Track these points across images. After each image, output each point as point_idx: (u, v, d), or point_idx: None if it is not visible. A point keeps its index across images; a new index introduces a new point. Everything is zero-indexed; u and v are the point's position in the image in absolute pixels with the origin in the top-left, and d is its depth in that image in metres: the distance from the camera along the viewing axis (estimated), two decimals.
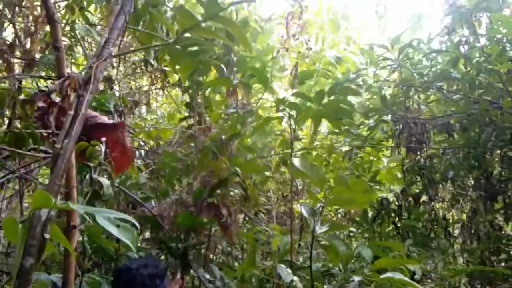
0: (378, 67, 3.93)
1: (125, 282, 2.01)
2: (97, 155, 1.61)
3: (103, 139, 1.62)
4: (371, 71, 4.06)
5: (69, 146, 1.44)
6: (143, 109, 5.32)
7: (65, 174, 1.43)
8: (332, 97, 2.93)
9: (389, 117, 4.13)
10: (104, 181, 1.69)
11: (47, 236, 1.32)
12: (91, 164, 1.67)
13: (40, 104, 1.49)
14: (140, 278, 1.97)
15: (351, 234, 4.44)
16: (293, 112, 2.90)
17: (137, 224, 1.22)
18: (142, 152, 4.69)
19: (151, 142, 4.97)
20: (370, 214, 4.11)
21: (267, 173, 4.37)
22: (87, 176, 1.93)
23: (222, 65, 2.62)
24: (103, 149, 1.61)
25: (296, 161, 2.41)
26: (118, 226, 1.19)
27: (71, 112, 1.48)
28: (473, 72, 3.71)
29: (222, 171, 2.76)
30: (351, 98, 3.20)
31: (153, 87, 4.88)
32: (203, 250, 3.43)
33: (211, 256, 3.95)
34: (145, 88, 4.95)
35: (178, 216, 2.80)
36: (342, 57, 3.90)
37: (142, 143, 4.87)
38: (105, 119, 1.66)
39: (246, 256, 2.61)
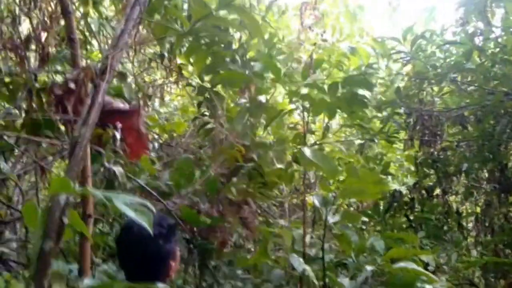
0: (391, 60, 3.92)
1: (125, 242, 1.84)
2: (113, 141, 1.63)
3: (119, 125, 1.63)
4: (383, 64, 4.04)
5: (86, 134, 1.48)
6: (157, 102, 5.37)
7: (82, 161, 1.46)
8: (346, 90, 2.93)
9: (402, 110, 4.12)
10: (118, 169, 1.70)
11: (65, 220, 1.36)
12: (104, 152, 1.68)
13: (58, 92, 1.52)
14: (141, 238, 1.76)
15: (363, 227, 4.44)
16: (306, 104, 2.90)
17: (153, 208, 1.25)
18: (156, 145, 4.74)
19: (165, 135, 5.01)
20: (382, 207, 4.11)
21: (280, 166, 4.38)
22: (101, 167, 1.93)
23: (237, 57, 2.62)
24: (119, 136, 1.63)
25: (307, 152, 2.41)
26: (135, 210, 1.22)
27: (88, 101, 1.51)
28: (487, 63, 3.68)
29: (236, 159, 2.75)
30: (363, 92, 3.20)
31: (167, 81, 4.92)
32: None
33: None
34: (159, 82, 4.99)
35: (182, 210, 2.76)
36: (356, 48, 3.85)
37: (156, 136, 4.91)
38: (121, 105, 1.68)
39: (258, 247, 2.62)
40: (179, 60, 4.53)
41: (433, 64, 3.74)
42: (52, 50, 3.11)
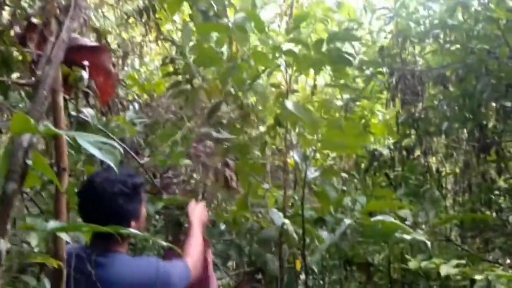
0: (374, 17, 3.84)
1: (85, 196, 1.79)
2: (80, 81, 1.54)
3: (86, 63, 1.54)
4: (366, 21, 3.97)
5: (50, 72, 1.39)
6: (136, 62, 5.24)
7: (47, 102, 1.37)
8: (331, 46, 2.84)
9: (384, 69, 4.07)
10: (89, 110, 1.62)
11: (29, 162, 1.29)
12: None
13: (18, 29, 1.42)
14: (101, 195, 1.72)
15: (344, 188, 4.46)
16: (290, 61, 2.79)
17: (120, 148, 1.18)
18: (136, 105, 4.64)
19: (145, 96, 4.90)
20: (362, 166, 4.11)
21: (262, 129, 4.32)
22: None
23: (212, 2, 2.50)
24: (86, 75, 1.54)
25: (289, 105, 2.36)
26: (100, 148, 1.15)
27: (52, 39, 1.42)
28: (470, 21, 3.62)
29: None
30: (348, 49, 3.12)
31: (147, 39, 4.78)
32: None
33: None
34: (138, 40, 4.84)
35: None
36: (342, 2, 3.75)
37: (136, 97, 4.80)
38: (87, 41, 1.59)
39: (238, 200, 2.59)
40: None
41: (416, 20, 3.66)
42: None
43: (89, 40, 1.62)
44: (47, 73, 1.38)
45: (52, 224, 1.23)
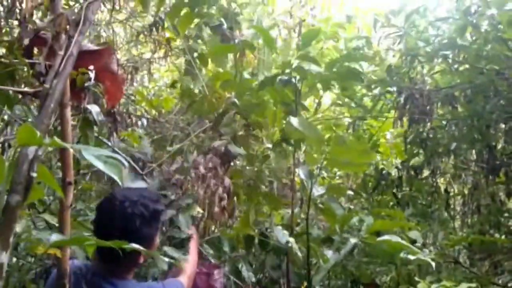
0: (383, 36, 3.85)
1: (103, 212, 1.76)
2: (88, 81, 1.54)
3: (91, 67, 1.54)
4: (375, 40, 3.97)
5: (58, 86, 1.40)
6: (145, 78, 5.28)
7: (53, 114, 1.39)
8: (342, 65, 2.84)
9: (392, 88, 4.06)
10: (94, 107, 1.61)
11: (34, 174, 1.29)
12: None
13: (27, 41, 1.44)
14: (120, 213, 1.68)
15: (351, 206, 4.42)
16: (298, 77, 2.80)
17: (124, 161, 1.18)
18: (144, 121, 4.66)
19: (153, 111, 4.94)
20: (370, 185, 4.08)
21: (269, 145, 4.31)
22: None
23: (222, 20, 2.53)
24: (93, 76, 1.54)
25: (295, 122, 2.36)
26: (105, 162, 1.16)
27: (61, 52, 1.43)
28: (480, 41, 3.62)
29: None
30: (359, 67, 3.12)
31: (156, 55, 4.83)
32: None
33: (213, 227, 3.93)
34: (147, 56, 4.89)
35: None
36: (353, 17, 3.76)
37: (144, 112, 4.83)
38: (90, 45, 1.59)
39: (241, 218, 2.58)
40: (167, 34, 4.44)
41: (426, 39, 3.66)
42: None
43: (92, 45, 1.63)
44: (55, 86, 1.39)
45: (55, 237, 1.23)
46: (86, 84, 1.63)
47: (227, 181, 2.63)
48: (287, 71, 2.71)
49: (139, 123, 4.58)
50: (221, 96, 2.65)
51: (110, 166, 1.15)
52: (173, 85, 4.31)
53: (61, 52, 1.43)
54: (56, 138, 1.18)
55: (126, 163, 1.18)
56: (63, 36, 1.46)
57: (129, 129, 4.06)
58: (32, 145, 1.26)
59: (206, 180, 2.32)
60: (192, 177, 2.34)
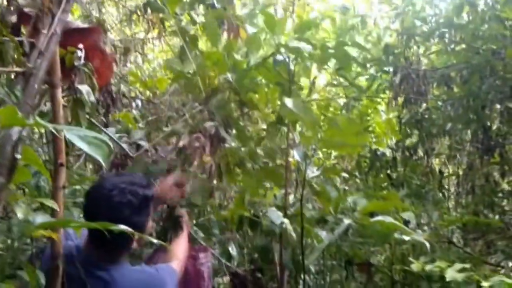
0: (379, 15, 3.79)
1: (92, 199, 1.72)
2: (77, 60, 1.50)
3: (80, 45, 1.49)
4: (371, 20, 3.92)
5: (42, 65, 1.36)
6: (139, 58, 5.21)
7: (44, 95, 1.34)
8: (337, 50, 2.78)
9: (388, 68, 4.02)
10: (84, 87, 1.57)
11: (18, 156, 1.25)
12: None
13: (10, 19, 1.39)
14: (108, 201, 1.65)
15: (346, 188, 4.41)
16: (293, 57, 2.71)
17: (110, 143, 1.15)
18: (139, 102, 4.61)
19: (148, 92, 4.88)
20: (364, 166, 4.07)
21: (263, 126, 4.27)
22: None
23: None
24: (82, 55, 1.49)
25: (289, 103, 2.32)
26: (89, 142, 1.12)
27: (45, 31, 1.38)
28: (477, 21, 3.57)
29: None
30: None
31: (150, 35, 4.75)
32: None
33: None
34: (141, 36, 4.82)
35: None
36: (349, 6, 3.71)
37: (139, 94, 4.78)
38: (78, 23, 1.54)
39: (235, 198, 2.56)
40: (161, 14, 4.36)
41: (423, 18, 3.59)
42: None
43: (80, 23, 1.58)
44: (39, 65, 1.35)
45: (40, 219, 1.20)
46: (75, 64, 1.58)
47: (208, 159, 2.59)
48: (282, 51, 2.65)
49: (134, 104, 4.54)
50: (213, 76, 2.59)
51: (95, 147, 1.11)
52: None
53: (45, 31, 1.38)
54: (38, 119, 1.14)
55: (111, 145, 1.14)
56: (46, 15, 1.40)
57: (124, 110, 4.01)
58: (15, 126, 1.23)
59: (190, 159, 2.28)
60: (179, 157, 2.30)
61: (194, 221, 3.30)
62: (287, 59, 2.65)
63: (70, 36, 1.40)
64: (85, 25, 1.58)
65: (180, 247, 2.01)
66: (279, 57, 2.60)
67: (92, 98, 1.56)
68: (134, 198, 1.68)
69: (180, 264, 1.95)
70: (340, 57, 2.72)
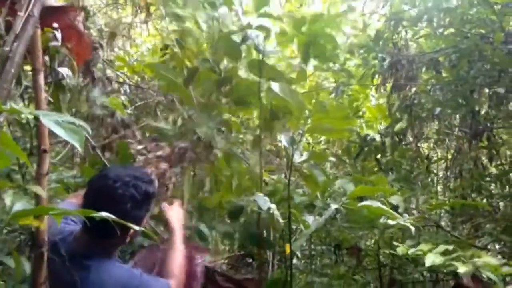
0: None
1: (95, 189, 1.72)
2: (53, 41, 1.46)
3: (55, 25, 1.45)
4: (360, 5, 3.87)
5: (19, 49, 1.32)
6: (127, 43, 5.14)
7: (13, 78, 1.31)
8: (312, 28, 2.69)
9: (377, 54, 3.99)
10: (64, 69, 1.53)
11: None
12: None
13: None
14: (111, 194, 1.66)
15: (335, 172, 4.42)
16: (261, 35, 2.58)
17: (86, 126, 1.12)
18: (127, 87, 4.56)
19: (135, 77, 4.82)
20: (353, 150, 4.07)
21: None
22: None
23: None
24: (59, 35, 1.45)
25: (276, 87, 2.29)
26: (65, 128, 1.09)
27: (21, 13, 1.34)
28: (465, 4, 3.54)
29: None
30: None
31: (137, 19, 4.68)
32: None
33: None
34: (127, 20, 4.74)
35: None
36: None
37: (126, 79, 4.72)
38: (52, 1, 1.50)
39: (223, 184, 2.54)
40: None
41: (412, 1, 3.55)
42: None
43: (54, 1, 1.53)
44: (15, 49, 1.31)
45: (19, 206, 1.17)
46: (51, 44, 1.54)
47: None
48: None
49: (122, 90, 4.48)
50: (192, 53, 2.53)
51: (71, 132, 1.09)
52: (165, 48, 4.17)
53: (21, 13, 1.34)
54: (13, 105, 1.11)
55: (89, 129, 1.11)
56: None
57: (112, 95, 3.96)
58: None
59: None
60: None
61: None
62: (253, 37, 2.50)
63: (44, 15, 1.35)
64: (60, 4, 1.53)
65: (175, 262, 1.92)
66: (250, 34, 2.46)
67: (73, 82, 1.53)
68: (137, 193, 1.68)
69: (179, 284, 1.87)
70: (315, 37, 2.64)
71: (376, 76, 3.96)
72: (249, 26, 2.34)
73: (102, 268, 1.69)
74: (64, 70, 1.55)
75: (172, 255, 1.94)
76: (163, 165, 2.24)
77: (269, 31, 2.38)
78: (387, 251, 3.36)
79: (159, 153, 2.29)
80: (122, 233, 1.66)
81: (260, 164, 2.53)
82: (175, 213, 2.09)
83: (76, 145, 1.07)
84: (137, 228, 1.26)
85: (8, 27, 1.44)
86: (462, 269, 2.01)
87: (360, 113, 4.19)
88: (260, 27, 2.36)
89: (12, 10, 1.36)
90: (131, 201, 1.68)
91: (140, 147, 2.33)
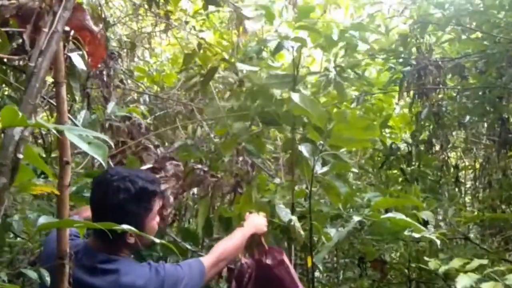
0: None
1: (94, 185, 1.82)
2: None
3: (66, 28, 1.49)
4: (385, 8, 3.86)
5: (43, 64, 1.38)
6: (147, 53, 5.24)
7: (38, 93, 1.37)
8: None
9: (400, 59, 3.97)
10: (74, 55, 1.57)
11: (20, 156, 1.29)
12: None
13: (7, 15, 1.41)
14: (107, 185, 1.73)
15: (358, 182, 4.40)
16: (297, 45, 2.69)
17: (110, 141, 1.17)
18: (146, 97, 4.65)
19: (155, 87, 4.92)
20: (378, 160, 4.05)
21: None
22: None
23: None
24: (70, 37, 1.49)
25: (295, 97, 2.32)
26: (89, 142, 1.15)
27: (46, 29, 1.41)
28: (494, 8, 3.51)
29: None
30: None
31: (157, 29, 4.77)
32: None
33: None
34: (147, 30, 4.84)
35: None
36: None
37: (146, 89, 4.82)
38: None
39: (243, 195, 2.57)
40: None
41: (440, 4, 3.50)
42: None
43: None
44: (40, 64, 1.37)
45: (42, 219, 1.23)
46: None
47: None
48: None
49: (141, 99, 4.57)
50: (216, 53, 2.61)
51: (95, 147, 1.14)
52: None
53: (46, 29, 1.41)
54: (39, 120, 1.17)
55: (112, 143, 1.16)
56: (48, 12, 1.43)
57: (131, 105, 4.04)
58: (16, 127, 1.26)
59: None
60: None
61: None
62: (290, 49, 2.61)
63: None
64: None
65: (221, 246, 2.02)
66: (286, 44, 2.56)
67: (83, 67, 1.56)
68: (132, 186, 1.73)
69: (216, 261, 1.95)
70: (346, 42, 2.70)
71: (400, 82, 3.94)
72: (286, 37, 2.42)
73: (129, 268, 1.74)
74: (75, 56, 1.58)
75: (226, 238, 2.07)
76: (177, 186, 2.29)
77: (305, 42, 2.45)
78: (414, 265, 3.33)
79: (173, 171, 2.34)
80: (122, 232, 1.68)
81: (292, 190, 2.59)
82: (253, 217, 2.23)
83: (100, 159, 1.12)
84: (134, 230, 1.28)
85: (32, 42, 1.50)
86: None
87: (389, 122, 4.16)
88: (296, 38, 2.43)
89: (37, 27, 1.42)
90: (125, 193, 1.73)
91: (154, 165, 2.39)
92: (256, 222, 2.22)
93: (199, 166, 2.57)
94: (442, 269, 2.42)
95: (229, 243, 2.06)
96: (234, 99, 2.81)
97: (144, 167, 2.29)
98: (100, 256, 1.75)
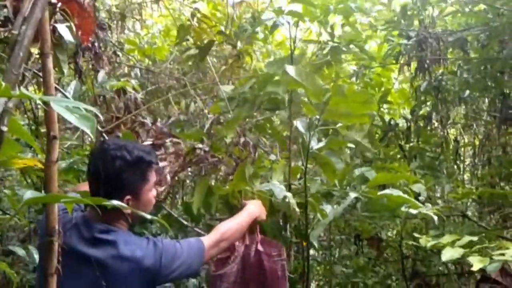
0: None
1: (92, 154, 1.89)
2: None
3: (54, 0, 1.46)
4: None
5: (27, 33, 1.35)
6: (137, 25, 5.17)
7: (22, 62, 1.34)
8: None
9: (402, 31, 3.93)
10: (61, 26, 1.55)
11: (4, 128, 1.27)
12: None
13: None
14: (104, 154, 1.78)
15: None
16: (293, 20, 2.69)
17: (99, 113, 1.16)
18: (137, 71, 4.60)
19: (146, 60, 4.86)
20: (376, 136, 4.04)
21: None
22: None
23: None
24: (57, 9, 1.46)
25: (291, 70, 2.30)
26: (76, 114, 1.13)
27: None
28: None
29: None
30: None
31: (147, 0, 4.70)
32: None
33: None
34: (138, 0, 4.75)
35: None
36: None
37: (137, 62, 4.76)
38: None
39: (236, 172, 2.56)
40: None
41: None
42: None
43: None
44: (24, 32, 1.35)
45: (29, 194, 1.22)
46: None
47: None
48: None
49: (132, 73, 4.52)
50: (212, 25, 2.58)
51: (83, 119, 1.12)
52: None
53: None
54: (24, 90, 1.15)
55: (100, 115, 1.15)
56: None
57: (122, 79, 4.00)
58: (1, 98, 1.24)
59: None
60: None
61: None
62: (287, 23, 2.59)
63: None
64: None
65: (224, 226, 2.06)
66: (282, 20, 2.55)
67: (71, 39, 1.54)
68: (128, 155, 1.78)
69: (217, 240, 1.98)
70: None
71: (400, 56, 3.90)
72: (280, 11, 2.39)
73: (128, 239, 1.79)
74: (61, 28, 1.55)
75: (232, 218, 2.10)
76: (177, 164, 2.29)
77: (301, 16, 2.42)
78: (410, 242, 3.36)
79: (173, 149, 2.34)
80: (117, 193, 1.74)
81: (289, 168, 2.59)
82: (254, 202, 2.27)
83: (88, 131, 1.10)
84: (124, 206, 1.28)
85: (16, 10, 1.47)
86: (477, 265, 2.00)
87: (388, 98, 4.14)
88: (291, 12, 2.40)
89: None
90: (121, 160, 1.77)
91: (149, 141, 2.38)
92: (260, 208, 2.25)
93: (200, 145, 2.56)
94: (430, 244, 2.44)
95: (233, 224, 2.07)
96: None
97: (144, 144, 2.30)
98: (98, 226, 1.79)
